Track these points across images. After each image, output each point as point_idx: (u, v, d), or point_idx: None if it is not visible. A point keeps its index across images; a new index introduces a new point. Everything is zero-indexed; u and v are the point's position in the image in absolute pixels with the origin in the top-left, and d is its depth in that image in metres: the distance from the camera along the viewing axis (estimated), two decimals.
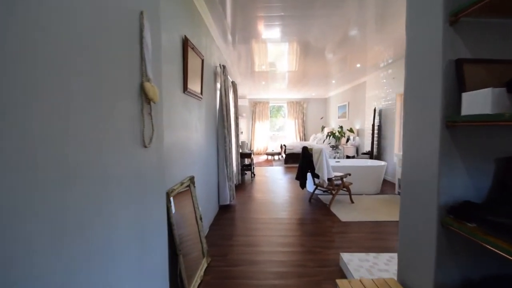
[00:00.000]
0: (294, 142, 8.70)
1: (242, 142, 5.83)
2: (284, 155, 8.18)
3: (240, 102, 9.71)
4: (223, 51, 4.41)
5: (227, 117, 3.82)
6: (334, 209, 3.75)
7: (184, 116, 2.25)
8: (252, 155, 5.79)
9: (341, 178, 3.90)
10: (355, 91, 7.56)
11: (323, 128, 5.97)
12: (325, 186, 3.80)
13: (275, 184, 5.49)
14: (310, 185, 4.58)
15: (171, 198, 1.81)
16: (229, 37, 4.04)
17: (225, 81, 3.78)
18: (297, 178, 4.25)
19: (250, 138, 11.00)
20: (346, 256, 2.32)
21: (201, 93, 2.77)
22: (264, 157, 9.91)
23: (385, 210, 3.68)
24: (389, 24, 3.64)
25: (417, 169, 1.33)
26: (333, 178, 3.81)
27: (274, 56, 5.19)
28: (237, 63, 5.55)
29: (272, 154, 9.25)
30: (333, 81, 7.42)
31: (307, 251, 2.56)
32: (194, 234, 2.29)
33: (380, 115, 5.97)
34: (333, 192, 3.94)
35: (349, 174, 3.98)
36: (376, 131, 5.97)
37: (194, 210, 2.36)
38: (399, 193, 4.52)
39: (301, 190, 4.83)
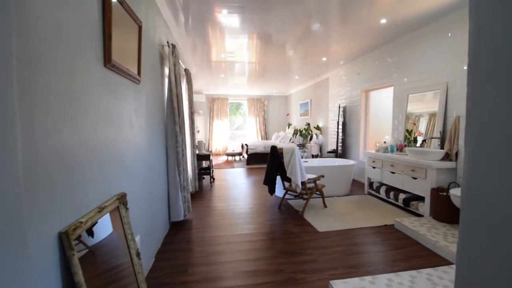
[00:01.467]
0: (256, 142, 8.17)
1: (199, 142, 5.05)
2: (246, 156, 7.59)
3: (196, 97, 8.82)
4: (173, 31, 3.60)
5: (179, 111, 3.05)
6: (308, 217, 3.27)
7: (107, 103, 1.47)
8: (211, 157, 5.06)
9: (314, 180, 3.45)
10: (318, 88, 7.34)
11: (289, 125, 5.56)
12: (298, 191, 3.30)
13: (238, 189, 4.85)
14: (279, 189, 4.06)
15: (73, 242, 1.04)
16: (181, 17, 3.30)
17: (175, 65, 3.00)
18: (265, 183, 3.67)
19: (208, 137, 10.16)
20: (338, 285, 1.80)
21: (139, 73, 1.98)
22: (224, 158, 9.19)
23: (361, 214, 3.34)
24: (352, 19, 3.38)
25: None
26: (306, 181, 3.34)
27: (233, 46, 4.57)
28: (191, 51, 4.75)
29: (233, 155, 8.59)
30: (296, 77, 7.08)
31: (287, 280, 1.98)
32: (127, 279, 1.53)
33: (344, 112, 5.77)
34: (306, 197, 3.46)
35: (323, 176, 3.56)
36: (340, 129, 5.75)
37: (127, 243, 1.59)
38: (369, 193, 4.29)
39: (268, 195, 4.28)
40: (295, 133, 5.42)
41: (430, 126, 3.75)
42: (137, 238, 1.89)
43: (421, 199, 3.31)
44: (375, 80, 4.73)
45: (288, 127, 5.42)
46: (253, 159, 7.49)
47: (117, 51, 1.56)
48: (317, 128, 5.54)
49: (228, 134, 10.21)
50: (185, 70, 4.12)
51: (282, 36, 4.10)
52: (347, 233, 2.84)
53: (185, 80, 4.15)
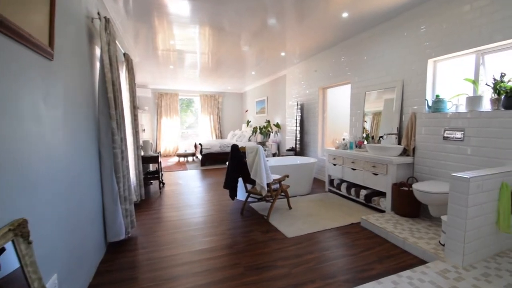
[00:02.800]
0: (211, 141, 7.65)
1: (144, 142, 4.36)
2: (200, 156, 7.02)
3: (141, 92, 7.88)
4: (108, 5, 2.92)
5: (117, 103, 2.44)
6: (274, 221, 3.00)
7: None
8: (159, 159, 4.42)
9: (279, 181, 3.19)
10: (275, 85, 7.20)
11: (248, 122, 5.24)
12: (264, 194, 2.99)
13: (193, 194, 4.33)
14: (241, 193, 3.71)
15: None
16: None
17: (110, 44, 2.38)
18: (225, 186, 3.27)
19: (155, 137, 9.21)
20: None
21: (51, 45, 1.40)
22: (175, 159, 8.42)
23: (326, 214, 3.21)
24: (311, 13, 3.30)
25: None
26: (271, 183, 3.05)
27: (182, 36, 4.05)
28: (133, 36, 4.04)
29: (185, 156, 7.90)
30: (253, 72, 6.80)
31: None
32: None
33: (301, 109, 5.72)
34: (270, 199, 3.19)
35: (287, 176, 3.33)
36: (298, 127, 5.68)
37: None
38: (329, 190, 4.25)
39: (228, 200, 3.89)
40: (254, 131, 5.13)
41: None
42: (53, 279, 1.32)
43: (382, 194, 3.34)
44: (332, 78, 4.73)
45: (247, 125, 5.11)
46: (209, 159, 6.98)
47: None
48: (277, 125, 5.36)
49: (179, 133, 9.42)
50: (125, 54, 3.44)
51: (237, 29, 3.90)
52: (317, 236, 2.64)
53: (124, 67, 3.47)
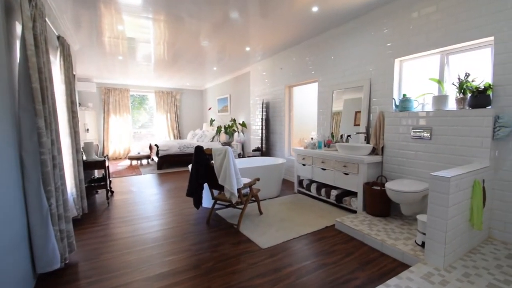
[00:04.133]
0: (168, 141, 7.01)
1: (86, 144, 3.68)
2: (156, 158, 6.36)
3: (83, 86, 6.87)
4: None
5: (45, 96, 1.89)
6: (246, 230, 2.71)
7: None
8: (106, 163, 3.78)
9: (250, 185, 2.92)
10: (238, 82, 6.90)
11: (212, 121, 4.83)
12: (234, 201, 2.68)
13: (148, 203, 3.80)
14: (206, 199, 3.33)
15: None
16: None
17: (35, 20, 1.82)
18: (189, 194, 2.87)
19: (102, 138, 8.15)
20: None
21: None
22: (127, 162, 7.55)
23: (301, 218, 3.05)
24: (277, 8, 3.15)
25: None
26: (241, 188, 2.76)
27: (133, 24, 3.51)
28: (72, 19, 3.35)
29: (139, 158, 7.11)
30: (214, 68, 6.40)
31: None
32: None
33: (267, 108, 5.54)
34: (240, 206, 2.89)
35: (258, 179, 3.07)
36: (263, 126, 5.49)
37: None
38: (299, 191, 4.13)
39: (191, 208, 3.47)
40: (218, 130, 4.76)
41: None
42: None
43: (353, 194, 3.31)
44: (298, 76, 4.63)
45: (211, 124, 4.73)
46: (166, 162, 6.36)
47: None
48: (243, 124, 5.07)
49: (130, 133, 8.49)
50: (59, 38, 2.80)
51: (196, 22, 3.58)
52: (293, 244, 2.44)
53: (59, 53, 2.82)
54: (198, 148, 2.84)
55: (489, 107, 2.22)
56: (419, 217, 2.20)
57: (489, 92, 2.21)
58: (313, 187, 3.78)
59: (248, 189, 2.96)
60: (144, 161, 7.45)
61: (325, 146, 3.82)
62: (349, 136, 3.59)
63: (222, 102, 7.90)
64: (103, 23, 3.59)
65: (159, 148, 6.22)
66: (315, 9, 3.14)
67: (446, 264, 1.87)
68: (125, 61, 5.65)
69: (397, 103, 3.00)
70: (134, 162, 7.32)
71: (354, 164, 3.08)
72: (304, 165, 3.90)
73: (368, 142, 3.34)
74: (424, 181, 2.69)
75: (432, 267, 1.86)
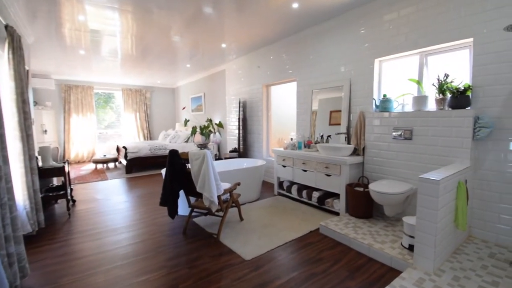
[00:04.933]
0: (138, 143, 6.52)
1: (42, 149, 3.22)
2: (124, 162, 5.87)
3: (40, 83, 6.17)
4: None
5: None
6: (227, 240, 2.51)
7: None
8: (66, 168, 3.35)
9: (230, 191, 2.72)
10: (213, 80, 6.62)
11: (187, 121, 4.52)
12: (214, 209, 2.46)
13: (116, 213, 3.42)
14: (182, 207, 3.07)
15: None
16: None
17: None
18: (163, 203, 2.60)
19: (63, 140, 7.39)
20: None
21: None
22: (91, 166, 6.91)
23: (284, 222, 2.91)
24: (251, 4, 3.00)
25: None
26: (222, 194, 2.55)
27: (96, 13, 3.13)
28: (23, 5, 2.87)
29: (105, 162, 6.53)
30: (188, 65, 6.05)
31: None
32: None
33: (244, 107, 5.35)
34: (220, 214, 2.68)
35: (239, 184, 2.88)
36: (241, 126, 5.30)
37: None
38: (279, 193, 4.01)
39: (165, 216, 3.18)
40: (193, 131, 4.46)
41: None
42: None
43: (335, 196, 3.25)
44: (277, 74, 4.50)
45: (185, 124, 4.43)
46: (136, 165, 5.90)
47: None
48: (219, 125, 4.83)
49: (95, 134, 7.80)
50: (7, 27, 2.36)
51: (167, 15, 3.31)
52: (278, 253, 2.29)
53: (6, 45, 2.39)
54: (173, 152, 2.57)
55: (469, 107, 2.25)
56: (405, 219, 2.17)
57: (469, 93, 2.24)
58: (294, 189, 3.68)
59: (228, 195, 2.76)
60: (111, 165, 6.87)
61: (305, 146, 3.74)
62: (329, 136, 3.54)
63: (196, 101, 7.56)
64: (62, 13, 3.16)
65: (127, 150, 5.74)
66: (295, 5, 3.01)
67: (435, 268, 1.83)
68: (88, 56, 5.11)
69: (378, 104, 2.99)
70: (100, 166, 6.72)
71: (336, 165, 3.02)
72: (284, 166, 3.78)
73: (349, 143, 3.31)
74: (406, 181, 2.70)
75: (422, 271, 1.82)
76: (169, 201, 2.58)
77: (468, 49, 2.34)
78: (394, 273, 1.94)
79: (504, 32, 2.01)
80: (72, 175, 5.54)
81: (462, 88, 2.26)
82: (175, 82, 8.50)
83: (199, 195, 2.55)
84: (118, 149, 6.73)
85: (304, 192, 3.52)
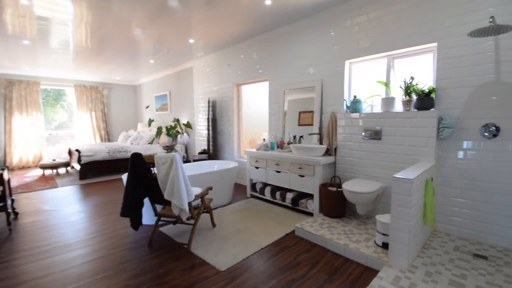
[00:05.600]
0: (94, 145, 5.91)
1: None
2: (78, 166, 5.27)
3: None
4: None
5: None
6: (199, 250, 2.33)
7: None
8: (6, 175, 2.85)
9: (202, 196, 2.53)
10: (180, 78, 6.28)
11: (151, 122, 4.16)
12: (184, 218, 2.26)
13: (68, 226, 3.01)
14: (148, 215, 2.79)
15: None
16: None
17: None
18: (125, 213, 2.31)
19: (3, 143, 6.41)
20: None
21: None
22: (38, 172, 6.09)
23: (258, 226, 2.81)
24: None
25: None
26: (192, 200, 2.35)
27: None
28: None
29: (54, 167, 5.79)
30: (151, 61, 5.65)
31: None
32: None
33: (213, 107, 5.15)
34: (190, 221, 2.48)
35: (211, 188, 2.70)
36: (210, 126, 5.08)
37: None
38: (252, 196, 3.91)
39: (127, 227, 2.87)
40: (158, 132, 4.13)
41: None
42: None
43: (308, 196, 3.24)
44: (248, 73, 4.39)
45: (150, 124, 4.08)
46: (92, 170, 5.33)
47: None
48: (187, 125, 4.55)
49: (42, 136, 6.91)
50: None
51: (127, 6, 3.02)
52: (255, 260, 2.18)
53: None
54: (136, 155, 2.31)
55: (433, 109, 2.37)
56: (378, 217, 2.20)
57: (433, 95, 2.36)
58: (267, 190, 3.60)
59: (200, 200, 2.57)
60: (62, 170, 6.13)
61: (278, 147, 3.69)
62: (301, 137, 3.53)
63: (160, 100, 7.12)
64: None
65: (81, 154, 5.16)
66: (268, 2, 2.93)
67: (409, 265, 1.88)
68: (33, 46, 4.46)
69: (348, 104, 3.04)
70: (48, 172, 5.95)
71: (310, 166, 3.01)
72: (257, 167, 3.69)
73: (321, 143, 3.33)
74: (376, 180, 2.78)
75: (398, 269, 1.85)
76: (131, 210, 2.31)
77: (432, 53, 2.48)
78: (370, 272, 1.96)
79: (465, 38, 2.15)
80: (13, 183, 4.80)
81: (427, 90, 2.38)
82: (137, 78, 7.92)
83: (166, 203, 2.32)
84: (70, 153, 6.03)
85: (278, 194, 3.46)
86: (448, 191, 2.37)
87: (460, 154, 2.29)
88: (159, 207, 2.62)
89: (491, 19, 1.86)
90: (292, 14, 3.30)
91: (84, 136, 7.58)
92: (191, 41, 4.31)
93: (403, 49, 2.59)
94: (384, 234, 2.14)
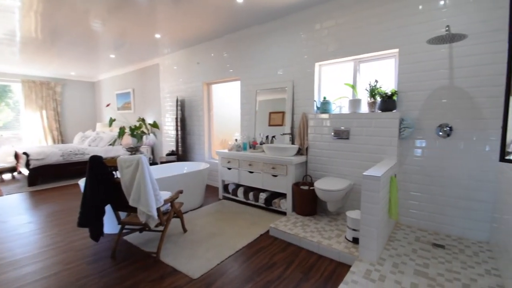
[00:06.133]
0: (46, 148, 5.30)
1: None
2: (26, 171, 4.68)
3: None
4: None
5: None
6: (169, 258, 2.19)
7: None
8: None
9: (172, 200, 2.39)
10: (144, 75, 5.92)
11: (112, 121, 3.80)
12: (153, 225, 2.10)
13: (15, 239, 2.63)
14: (110, 224, 2.57)
15: None
16: None
17: None
18: (83, 223, 2.09)
19: None
20: None
21: None
22: None
23: (232, 228, 2.75)
24: None
25: None
26: (161, 206, 2.21)
27: None
28: None
29: None
30: (112, 56, 5.24)
31: None
32: None
33: (182, 106, 4.95)
34: (159, 228, 2.33)
35: (181, 192, 2.57)
36: (179, 126, 4.88)
37: None
38: (224, 197, 3.82)
39: (86, 239, 2.60)
40: (121, 132, 3.82)
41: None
42: None
43: (281, 196, 3.27)
44: (219, 72, 4.29)
45: (110, 124, 3.73)
46: (43, 175, 4.77)
47: None
48: (154, 125, 4.28)
49: None
50: None
51: None
52: (230, 264, 2.12)
53: None
54: (95, 158, 2.10)
55: (395, 110, 2.54)
56: (348, 213, 2.29)
57: (395, 98, 2.52)
58: (240, 191, 3.56)
59: (169, 205, 2.43)
60: (7, 176, 5.41)
61: (250, 147, 3.66)
62: (273, 137, 3.55)
63: (123, 98, 6.65)
64: None
65: (29, 157, 4.59)
66: (239, 0, 2.88)
67: (378, 258, 1.98)
68: None
69: (318, 105, 3.12)
70: None
71: (283, 166, 3.03)
72: (229, 168, 3.62)
73: (293, 143, 3.38)
74: (345, 178, 2.89)
75: (368, 263, 1.94)
76: (90, 220, 2.10)
77: (394, 59, 2.65)
78: (343, 267, 2.02)
79: (424, 44, 2.33)
80: None
81: (390, 93, 2.53)
82: (96, 74, 7.31)
83: (132, 209, 2.15)
84: (17, 156, 5.34)
85: (251, 194, 3.43)
86: (408, 187, 2.56)
87: (419, 152, 2.48)
88: (123, 214, 2.43)
89: (447, 28, 2.04)
90: (264, 14, 3.29)
91: (33, 137, 6.78)
92: (157, 36, 4.08)
93: (368, 54, 2.73)
94: (354, 230, 2.22)
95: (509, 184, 1.77)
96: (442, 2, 2.27)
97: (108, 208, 2.27)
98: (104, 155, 5.06)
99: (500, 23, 2.02)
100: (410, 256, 2.02)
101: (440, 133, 2.35)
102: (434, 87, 2.35)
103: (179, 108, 4.83)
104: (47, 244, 2.49)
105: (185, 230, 2.70)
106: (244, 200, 3.54)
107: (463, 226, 2.30)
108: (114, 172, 2.19)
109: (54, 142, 7.06)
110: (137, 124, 4.29)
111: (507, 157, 1.00)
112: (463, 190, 2.28)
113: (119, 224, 2.30)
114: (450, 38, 1.99)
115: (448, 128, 2.31)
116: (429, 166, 2.43)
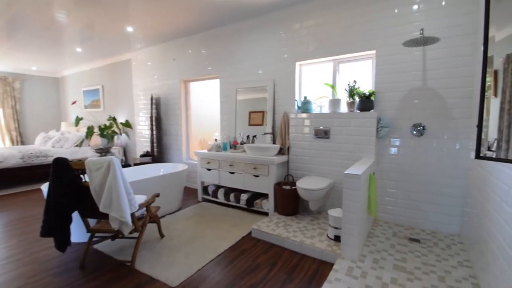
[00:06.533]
0: (3, 150, 4.78)
1: None
2: None
3: None
4: None
5: None
6: (145, 266, 2.06)
7: None
8: None
9: (147, 205, 2.25)
10: (115, 71, 5.57)
11: (79, 120, 3.50)
12: (127, 232, 1.95)
13: None
14: (78, 232, 2.35)
15: None
16: None
17: None
18: (46, 233, 1.88)
19: None
20: None
21: None
22: None
23: (213, 232, 2.66)
24: None
25: None
26: (136, 211, 2.06)
27: None
28: None
29: None
30: (79, 49, 4.86)
31: None
32: None
33: (158, 104, 4.73)
34: (134, 235, 2.18)
35: (158, 196, 2.43)
36: (154, 126, 4.65)
37: None
38: (204, 200, 3.70)
39: (51, 249, 2.36)
40: (89, 132, 3.53)
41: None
42: None
43: (263, 196, 3.23)
44: (197, 70, 4.15)
45: (77, 123, 3.43)
46: (0, 180, 4.31)
47: None
48: (127, 124, 4.01)
49: None
50: None
51: None
52: (212, 269, 2.03)
53: None
54: (59, 161, 1.90)
55: (373, 110, 2.61)
56: (330, 212, 2.31)
57: (372, 98, 2.59)
58: (221, 193, 3.46)
59: (145, 209, 2.28)
60: None
61: (231, 147, 3.58)
62: (254, 136, 3.50)
63: (90, 95, 6.21)
64: None
65: None
66: None
67: (359, 255, 2.01)
68: None
69: (299, 105, 3.13)
70: None
71: (264, 166, 2.99)
72: (209, 169, 3.51)
73: (274, 142, 3.35)
74: (326, 176, 2.92)
75: (349, 260, 1.96)
76: (55, 228, 1.90)
77: (371, 60, 2.72)
78: (326, 266, 2.02)
79: (400, 47, 2.41)
80: None
81: (368, 93, 2.60)
82: (60, 70, 6.76)
83: (103, 216, 1.98)
84: None
85: (232, 195, 3.35)
86: (385, 184, 2.64)
87: (395, 151, 2.58)
88: (92, 221, 2.23)
89: (421, 31, 2.13)
90: (242, 11, 3.23)
91: None
92: (129, 29, 3.84)
93: (347, 55, 2.78)
94: (335, 228, 2.25)
95: (477, 180, 1.89)
96: (415, 7, 2.37)
97: (75, 215, 2.07)
98: (70, 157, 4.70)
99: (469, 28, 2.15)
100: (388, 252, 2.08)
101: (414, 132, 2.45)
102: (409, 88, 2.45)
103: (154, 106, 4.60)
104: (5, 257, 2.22)
105: (162, 236, 2.56)
106: (225, 201, 3.45)
107: (437, 220, 2.42)
108: (81, 176, 2.01)
109: (12, 143, 6.41)
110: (108, 123, 4.01)
111: (481, 154, 1.05)
112: (436, 187, 2.40)
113: (88, 232, 2.11)
114: (424, 41, 2.08)
115: (421, 127, 2.41)
116: (404, 164, 2.53)
